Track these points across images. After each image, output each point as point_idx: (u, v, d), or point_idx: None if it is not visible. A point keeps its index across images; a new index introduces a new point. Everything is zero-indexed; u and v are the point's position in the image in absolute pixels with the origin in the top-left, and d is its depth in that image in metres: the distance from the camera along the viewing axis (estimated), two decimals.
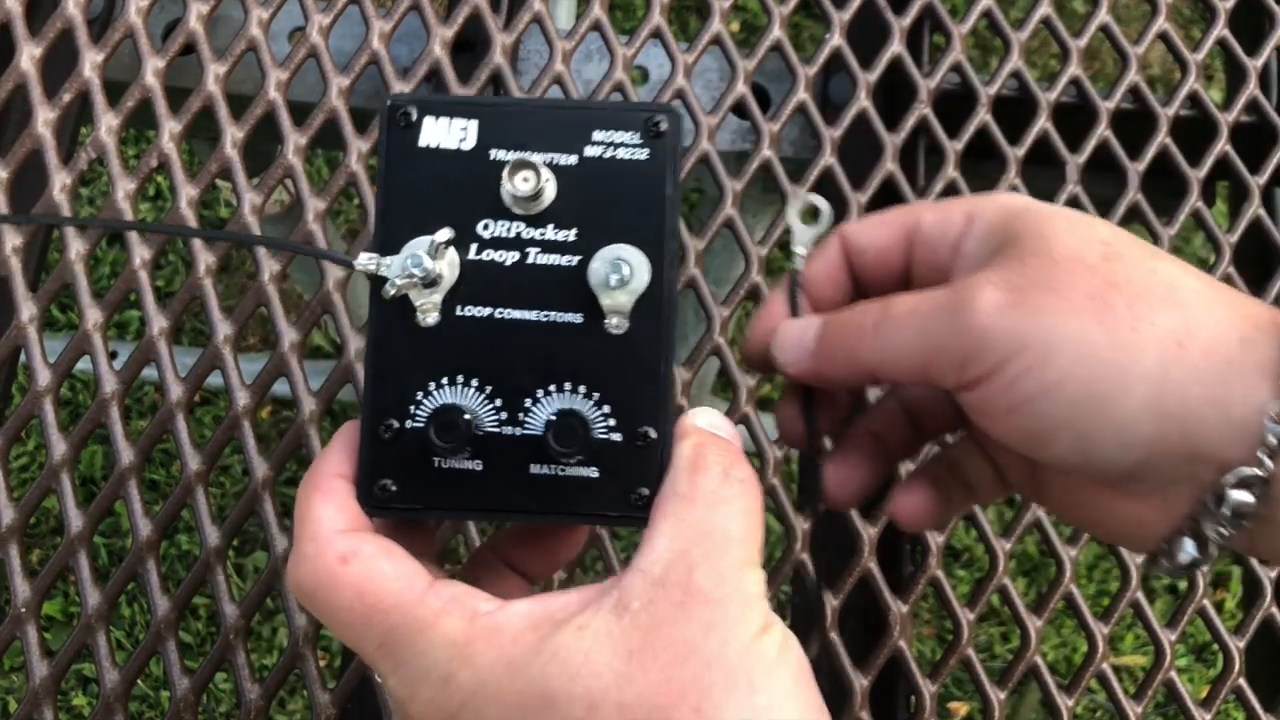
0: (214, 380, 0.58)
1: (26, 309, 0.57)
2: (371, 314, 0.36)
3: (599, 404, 0.36)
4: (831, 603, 0.55)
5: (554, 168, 0.36)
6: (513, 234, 0.36)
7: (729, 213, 0.60)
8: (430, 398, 0.36)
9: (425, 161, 0.37)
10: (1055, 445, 0.34)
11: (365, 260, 0.36)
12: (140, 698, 1.37)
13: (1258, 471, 0.32)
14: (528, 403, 0.36)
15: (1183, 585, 1.25)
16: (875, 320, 0.36)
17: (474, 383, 0.36)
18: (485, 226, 0.36)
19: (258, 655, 1.37)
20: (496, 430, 0.36)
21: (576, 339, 0.36)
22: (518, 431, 0.36)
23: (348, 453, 0.36)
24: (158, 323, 0.57)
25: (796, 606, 0.58)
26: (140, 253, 0.58)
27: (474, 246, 0.36)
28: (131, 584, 0.55)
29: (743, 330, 1.61)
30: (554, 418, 0.35)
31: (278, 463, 0.56)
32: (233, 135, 0.60)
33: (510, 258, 0.36)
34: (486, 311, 0.36)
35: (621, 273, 0.35)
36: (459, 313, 0.36)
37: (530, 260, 0.36)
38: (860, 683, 0.54)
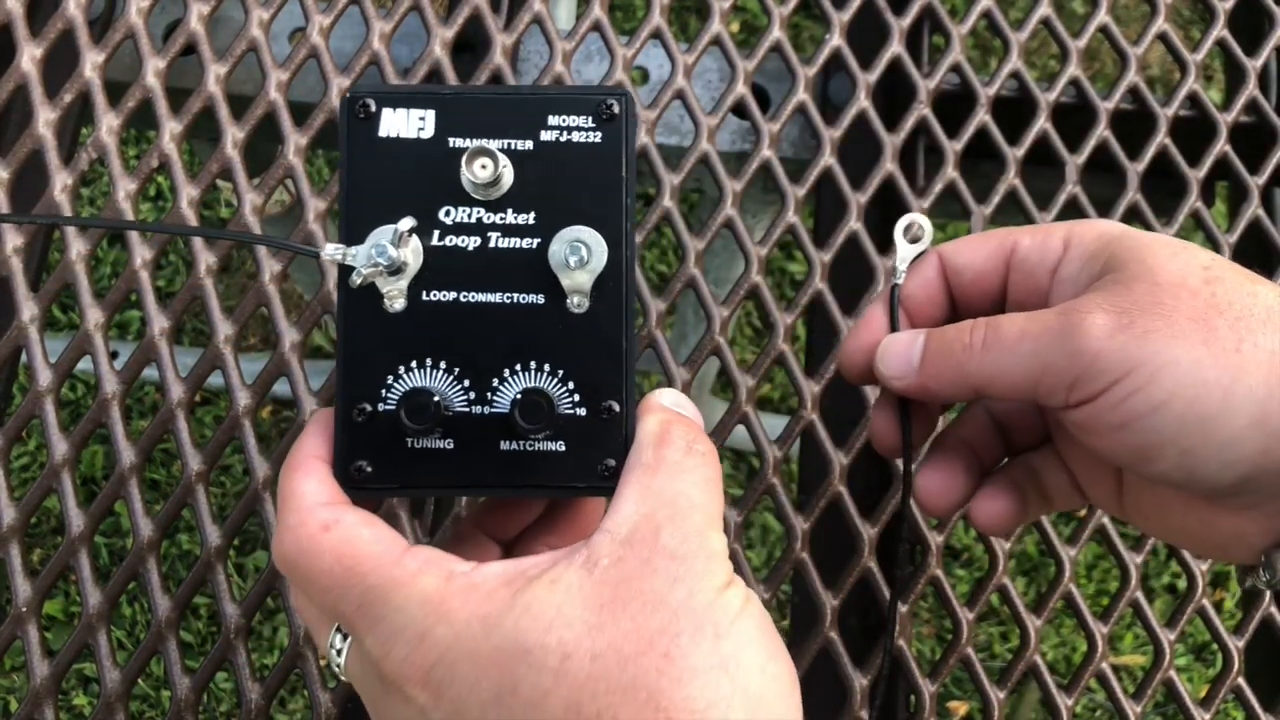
0: (214, 380, 0.58)
1: (27, 309, 0.57)
2: (340, 302, 0.37)
3: (563, 381, 0.37)
4: (831, 603, 0.55)
5: (511, 154, 0.37)
6: (474, 219, 0.37)
7: (729, 213, 0.60)
8: (400, 381, 0.37)
9: (385, 152, 0.38)
10: (1161, 461, 0.36)
11: (332, 250, 0.36)
12: (141, 697, 1.37)
13: None
14: (495, 382, 0.37)
15: (1182, 585, 1.24)
16: (984, 339, 0.38)
17: (442, 365, 0.37)
18: (447, 213, 0.37)
19: (258, 655, 1.37)
20: (466, 410, 0.37)
21: (540, 319, 0.37)
22: (486, 410, 0.37)
23: (324, 436, 0.38)
24: (158, 323, 0.57)
25: (796, 606, 0.58)
26: (141, 253, 0.58)
27: (436, 233, 0.37)
28: (132, 583, 0.55)
29: (743, 330, 1.60)
30: (519, 396, 0.36)
31: (278, 463, 0.56)
32: (233, 135, 0.60)
33: (472, 242, 0.37)
34: (451, 296, 0.37)
35: (580, 253, 0.36)
36: (425, 298, 0.37)
37: (492, 244, 0.37)
38: (860, 682, 0.54)
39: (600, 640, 0.32)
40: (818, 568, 0.55)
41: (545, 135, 0.38)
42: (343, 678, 0.37)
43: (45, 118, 0.60)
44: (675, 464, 0.35)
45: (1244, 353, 0.34)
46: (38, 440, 1.47)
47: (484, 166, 0.36)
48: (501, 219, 0.37)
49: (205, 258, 0.58)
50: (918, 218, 0.43)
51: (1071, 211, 0.62)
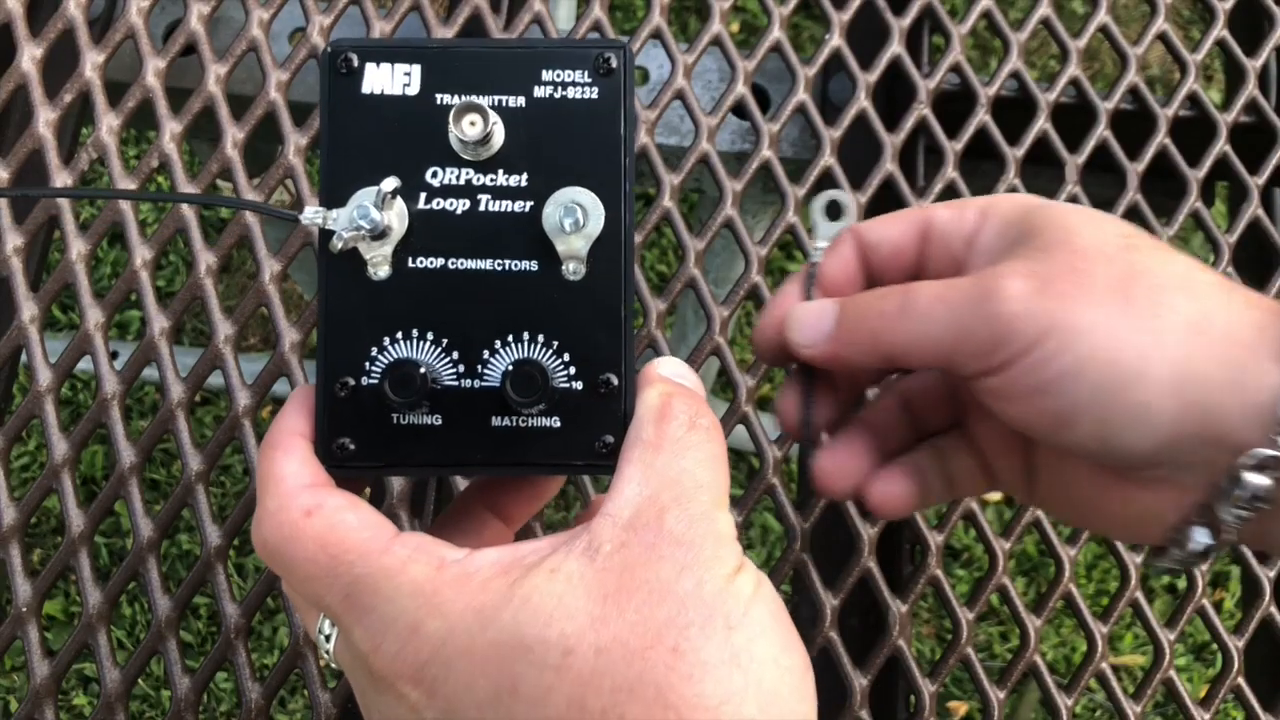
0: (214, 380, 0.58)
1: (27, 309, 0.57)
2: (321, 269, 0.35)
3: (558, 352, 0.35)
4: (831, 603, 0.55)
5: (502, 110, 0.35)
6: (462, 181, 0.35)
7: (729, 213, 0.60)
8: (385, 353, 0.35)
9: (369, 109, 0.35)
10: (1076, 429, 0.34)
11: (311, 214, 0.34)
12: (141, 697, 1.37)
13: (1273, 453, 0.32)
14: (485, 354, 0.35)
15: (1182, 585, 1.25)
16: (899, 305, 0.37)
17: (429, 336, 0.35)
18: (434, 174, 0.35)
19: (258, 654, 1.37)
20: (455, 384, 0.35)
21: (533, 287, 0.35)
22: (476, 384, 0.35)
23: (305, 412, 0.36)
24: (158, 323, 0.57)
25: (796, 606, 0.58)
26: (141, 253, 0.58)
27: (423, 195, 0.35)
28: (132, 583, 0.55)
29: (743, 330, 1.60)
30: (511, 368, 0.34)
31: None
32: (233, 135, 0.60)
33: (461, 205, 0.35)
34: (439, 262, 0.35)
35: (575, 216, 0.34)
36: (411, 264, 0.35)
37: (482, 208, 0.35)
38: (860, 682, 0.54)
39: (605, 634, 0.30)
40: (818, 568, 0.55)
41: (539, 91, 0.35)
42: (332, 664, 0.35)
43: (45, 118, 0.60)
44: (678, 440, 0.33)
45: (1161, 318, 0.33)
46: (38, 440, 1.47)
47: (473, 123, 0.34)
48: (492, 180, 0.35)
49: (205, 258, 0.58)
50: (839, 194, 0.42)
51: None
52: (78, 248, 0.58)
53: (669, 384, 0.35)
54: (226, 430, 0.56)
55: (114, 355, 0.58)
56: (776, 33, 0.65)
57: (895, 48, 0.65)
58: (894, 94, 0.66)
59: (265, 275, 0.58)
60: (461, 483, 0.56)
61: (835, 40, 0.65)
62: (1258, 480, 0.33)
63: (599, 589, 0.30)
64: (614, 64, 0.35)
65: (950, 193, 0.62)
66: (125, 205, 0.59)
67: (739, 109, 0.63)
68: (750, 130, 0.66)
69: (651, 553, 0.31)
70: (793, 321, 0.40)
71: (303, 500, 0.33)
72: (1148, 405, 0.33)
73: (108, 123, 0.60)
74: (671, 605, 0.30)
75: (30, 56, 0.61)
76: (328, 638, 0.34)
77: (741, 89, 0.63)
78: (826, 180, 0.62)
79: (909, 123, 0.63)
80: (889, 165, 0.62)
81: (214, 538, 0.55)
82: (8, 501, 0.55)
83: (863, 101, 0.64)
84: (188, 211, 0.59)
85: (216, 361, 0.57)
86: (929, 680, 0.55)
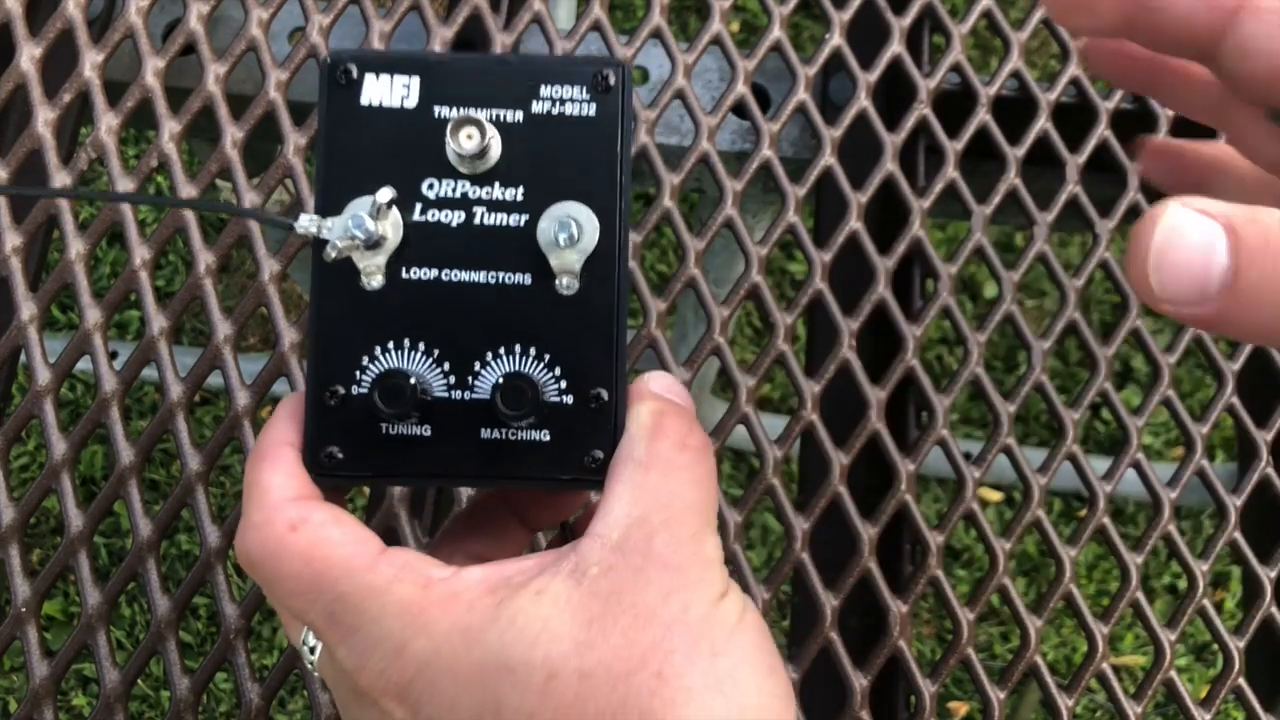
0: (214, 380, 0.58)
1: (27, 309, 0.57)
2: (314, 277, 0.35)
3: (550, 366, 0.35)
4: (831, 603, 0.55)
5: (499, 125, 0.35)
6: (458, 193, 0.35)
7: (729, 213, 0.60)
8: (376, 363, 0.35)
9: (367, 120, 0.35)
10: None
11: (306, 222, 0.34)
12: (140, 697, 1.37)
13: None
14: (477, 366, 0.35)
15: (1183, 585, 1.24)
16: None
17: (421, 346, 0.35)
18: (430, 186, 0.35)
19: (258, 655, 1.37)
20: (445, 395, 0.35)
21: (526, 300, 0.35)
22: (467, 396, 0.35)
23: (294, 421, 0.35)
24: (158, 323, 0.57)
25: (796, 606, 0.58)
26: (140, 253, 0.58)
27: (418, 207, 0.35)
28: (131, 584, 0.55)
29: (743, 330, 1.59)
30: (501, 381, 0.34)
31: None
32: (233, 135, 0.60)
33: (456, 218, 0.35)
34: (433, 273, 0.35)
35: (570, 231, 0.34)
36: (405, 275, 0.35)
37: (477, 220, 0.35)
38: (860, 683, 0.54)
39: (590, 658, 0.30)
40: (818, 568, 0.55)
41: (536, 106, 0.35)
42: (315, 674, 0.35)
43: (44, 117, 0.60)
44: (669, 460, 0.33)
45: None
46: (37, 440, 1.47)
47: (470, 137, 0.34)
48: (488, 194, 0.35)
49: (205, 258, 0.58)
50: None
51: (1072, 211, 0.62)
52: (77, 247, 0.58)
53: (660, 401, 0.35)
54: (226, 430, 0.56)
55: (113, 355, 0.58)
56: (777, 32, 0.64)
57: (896, 47, 0.65)
58: (894, 94, 0.66)
59: (265, 275, 0.58)
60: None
61: (835, 40, 0.65)
62: None
63: (584, 612, 0.30)
64: (612, 81, 0.35)
65: (951, 192, 0.62)
66: (125, 205, 0.59)
67: (739, 108, 0.63)
68: (750, 130, 0.66)
69: (639, 576, 0.31)
70: (1160, 262, 0.26)
71: (288, 514, 0.33)
72: None
73: (107, 122, 0.60)
74: (656, 630, 0.30)
75: (29, 56, 0.61)
76: (311, 649, 0.34)
77: (741, 88, 0.63)
78: (827, 180, 0.62)
79: (909, 122, 0.63)
80: (889, 165, 0.62)
81: (213, 538, 0.54)
82: (7, 501, 0.55)
83: (863, 101, 0.63)
84: (187, 212, 0.59)
85: (216, 361, 0.57)
86: (929, 681, 0.55)
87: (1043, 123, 0.64)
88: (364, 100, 0.36)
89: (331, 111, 0.36)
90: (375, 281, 0.35)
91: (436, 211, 0.35)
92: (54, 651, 0.53)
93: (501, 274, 0.35)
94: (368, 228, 0.34)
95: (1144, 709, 0.55)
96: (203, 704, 0.53)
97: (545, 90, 0.36)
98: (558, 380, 0.35)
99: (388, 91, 0.36)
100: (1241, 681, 0.56)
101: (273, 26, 0.63)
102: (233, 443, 0.56)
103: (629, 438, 0.34)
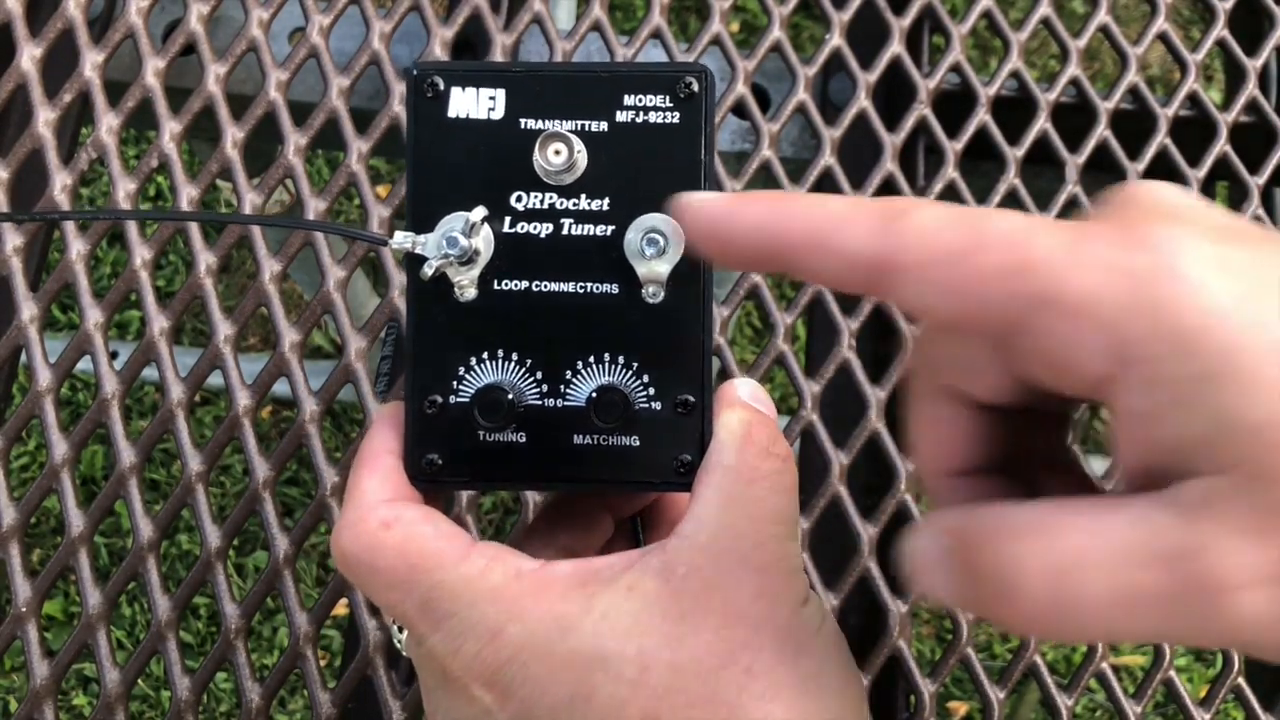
0: (214, 380, 0.58)
1: (27, 309, 0.57)
2: (410, 292, 0.36)
3: (638, 373, 0.36)
4: (831, 602, 0.55)
5: (585, 135, 0.36)
6: (546, 205, 0.36)
7: None
8: (472, 373, 0.36)
9: (454, 133, 0.36)
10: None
11: (401, 239, 0.35)
12: (141, 697, 1.37)
13: None
14: (568, 374, 0.36)
15: None
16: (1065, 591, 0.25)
17: (514, 356, 0.36)
18: (518, 199, 0.36)
19: (258, 655, 1.37)
20: (538, 403, 0.36)
21: (614, 309, 0.36)
22: (559, 403, 0.36)
23: (394, 430, 0.37)
24: (158, 323, 0.57)
25: None
26: (141, 253, 0.58)
27: (508, 219, 0.36)
28: (132, 584, 0.55)
29: (743, 330, 1.59)
30: (595, 394, 0.35)
31: (278, 463, 0.56)
32: (233, 135, 0.60)
33: (544, 229, 0.36)
34: (523, 284, 0.36)
35: (658, 244, 0.35)
36: (496, 287, 0.36)
37: (565, 231, 0.36)
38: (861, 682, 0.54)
39: (681, 652, 0.31)
40: (818, 568, 0.55)
41: (620, 116, 0.36)
42: (403, 653, 0.36)
43: (45, 117, 0.60)
44: (755, 468, 0.34)
45: None
46: (37, 440, 1.47)
47: (558, 153, 0.35)
48: (575, 205, 0.36)
49: (205, 257, 0.58)
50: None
51: (1072, 211, 0.62)
52: (77, 248, 0.58)
53: (749, 409, 0.36)
54: (226, 430, 0.56)
55: (114, 355, 0.58)
56: (776, 32, 0.64)
57: (895, 47, 0.65)
58: (894, 94, 0.66)
59: (265, 275, 0.58)
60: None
61: (835, 40, 0.65)
62: None
63: (675, 608, 0.32)
64: (695, 88, 0.36)
65: (951, 192, 0.62)
66: (125, 205, 0.59)
67: (739, 109, 0.63)
68: (750, 130, 0.66)
69: (728, 577, 0.32)
70: (915, 556, 0.29)
71: (381, 513, 0.34)
72: None
73: (107, 122, 0.60)
74: (745, 628, 0.32)
75: (30, 56, 0.61)
76: (401, 627, 0.35)
77: (741, 89, 0.63)
78: (827, 180, 0.62)
79: (909, 122, 0.63)
80: (889, 165, 0.62)
81: (214, 538, 0.54)
82: (7, 501, 0.55)
83: (863, 101, 0.63)
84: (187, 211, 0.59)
85: (216, 361, 0.57)
86: (929, 680, 0.55)
87: (1042, 123, 0.64)
88: (451, 113, 0.36)
89: (419, 125, 0.36)
90: (469, 294, 0.36)
91: (525, 223, 0.36)
92: (54, 651, 0.53)
93: (589, 284, 0.36)
94: (462, 245, 0.35)
95: (1143, 709, 0.55)
96: (203, 704, 0.53)
97: (629, 99, 0.36)
98: (646, 387, 0.36)
99: (474, 104, 0.36)
100: (1241, 681, 0.56)
101: (273, 26, 0.63)
102: (233, 443, 0.56)
103: (719, 444, 0.35)
